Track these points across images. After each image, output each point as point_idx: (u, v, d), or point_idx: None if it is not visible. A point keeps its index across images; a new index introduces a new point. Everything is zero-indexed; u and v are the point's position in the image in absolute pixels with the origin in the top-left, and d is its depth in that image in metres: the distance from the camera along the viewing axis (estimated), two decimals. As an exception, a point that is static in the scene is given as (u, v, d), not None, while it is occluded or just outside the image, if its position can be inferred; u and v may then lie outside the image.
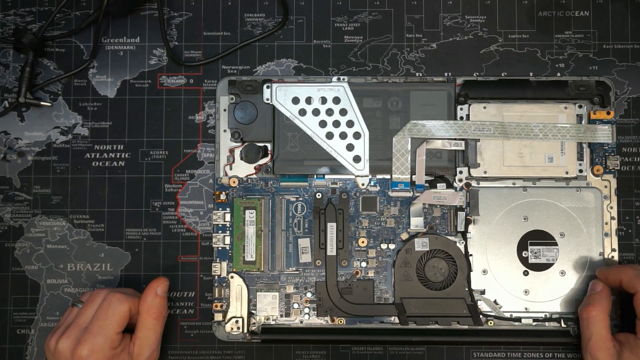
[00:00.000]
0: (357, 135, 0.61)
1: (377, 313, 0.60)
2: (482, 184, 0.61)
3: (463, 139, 0.60)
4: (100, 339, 0.53)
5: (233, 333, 0.60)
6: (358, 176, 0.61)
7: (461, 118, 0.60)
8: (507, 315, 0.60)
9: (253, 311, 0.60)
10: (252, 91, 0.61)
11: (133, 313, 0.56)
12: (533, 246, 0.60)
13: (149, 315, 0.55)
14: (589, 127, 0.60)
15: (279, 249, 0.61)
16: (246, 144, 0.61)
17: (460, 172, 0.60)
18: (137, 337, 0.55)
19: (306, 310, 0.60)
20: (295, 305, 0.60)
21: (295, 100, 0.61)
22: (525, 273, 0.60)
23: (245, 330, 0.60)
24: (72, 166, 0.62)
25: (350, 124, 0.61)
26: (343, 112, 0.61)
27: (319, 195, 0.61)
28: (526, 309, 0.60)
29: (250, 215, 0.61)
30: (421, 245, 0.60)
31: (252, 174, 0.61)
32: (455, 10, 0.63)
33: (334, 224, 0.60)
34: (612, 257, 0.60)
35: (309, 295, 0.60)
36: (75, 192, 0.62)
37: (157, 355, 0.56)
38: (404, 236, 0.61)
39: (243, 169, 0.61)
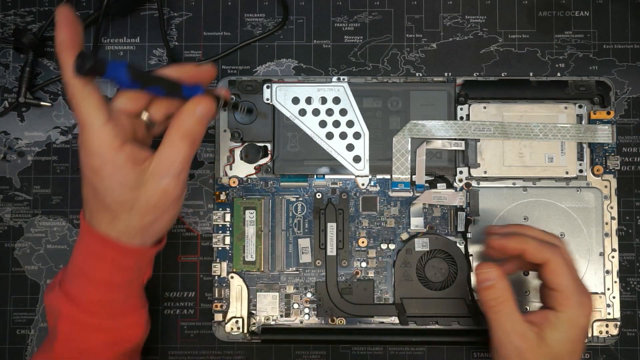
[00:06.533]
0: (357, 135, 0.60)
1: (377, 313, 0.60)
2: (482, 184, 0.60)
3: (463, 139, 0.60)
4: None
5: (233, 333, 0.60)
6: (358, 176, 0.61)
7: (461, 118, 0.60)
8: (507, 315, 0.60)
9: (253, 311, 0.60)
10: (252, 91, 0.61)
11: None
12: (533, 246, 0.60)
13: (177, 132, 0.45)
14: (589, 127, 0.60)
15: (279, 249, 0.61)
16: (246, 144, 0.61)
17: (460, 172, 0.60)
18: (157, 154, 0.45)
19: (306, 310, 0.60)
20: (295, 305, 0.60)
21: (295, 100, 0.61)
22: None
23: (245, 331, 0.60)
24: (72, 166, 0.62)
25: (350, 124, 0.61)
26: (343, 112, 0.61)
27: (319, 195, 0.61)
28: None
29: (250, 215, 0.61)
30: (421, 245, 0.60)
31: (252, 174, 0.61)
32: (455, 10, 0.63)
33: (334, 224, 0.60)
34: (613, 257, 0.60)
35: (309, 295, 0.60)
36: (75, 192, 0.62)
37: (177, 199, 0.46)
38: (404, 236, 0.61)
39: (243, 169, 0.61)
